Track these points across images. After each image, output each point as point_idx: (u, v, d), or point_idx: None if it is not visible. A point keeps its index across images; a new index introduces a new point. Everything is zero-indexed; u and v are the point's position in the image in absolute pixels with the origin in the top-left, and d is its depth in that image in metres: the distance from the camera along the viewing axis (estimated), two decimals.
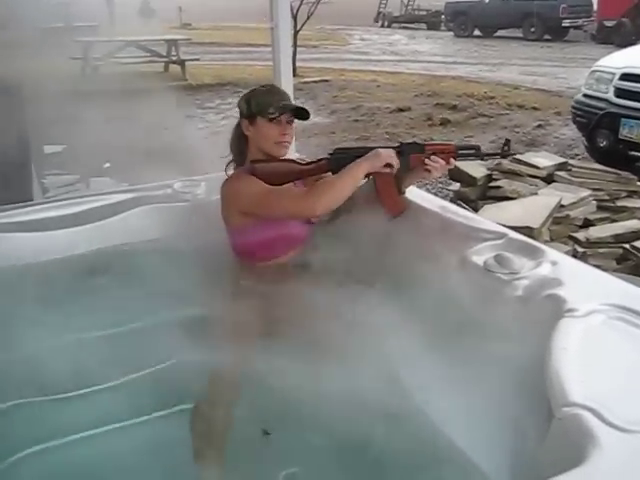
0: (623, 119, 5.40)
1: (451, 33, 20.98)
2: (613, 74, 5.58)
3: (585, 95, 5.91)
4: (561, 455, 1.18)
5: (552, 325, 1.51)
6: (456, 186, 5.10)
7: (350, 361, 1.95)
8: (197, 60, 11.63)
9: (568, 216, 4.22)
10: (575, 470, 1.09)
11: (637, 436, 1.15)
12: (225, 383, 1.90)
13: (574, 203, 4.34)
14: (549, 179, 4.86)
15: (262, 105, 2.07)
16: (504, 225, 2.16)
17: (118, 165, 4.23)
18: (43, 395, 1.92)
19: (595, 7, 17.77)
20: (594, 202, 4.47)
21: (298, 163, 2.13)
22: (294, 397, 1.77)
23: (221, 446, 1.79)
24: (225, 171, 2.22)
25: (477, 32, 20.23)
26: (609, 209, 4.48)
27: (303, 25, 12.05)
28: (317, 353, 1.96)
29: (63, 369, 1.91)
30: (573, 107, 6.09)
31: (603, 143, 5.62)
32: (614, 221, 4.30)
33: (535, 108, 8.97)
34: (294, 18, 10.79)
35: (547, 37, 18.46)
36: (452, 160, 2.06)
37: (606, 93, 5.62)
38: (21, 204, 2.41)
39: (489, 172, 4.93)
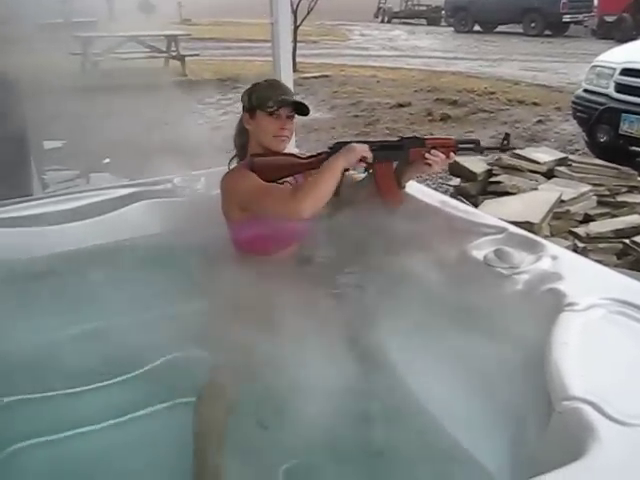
0: (623, 114, 5.39)
1: (451, 29, 20.94)
2: (614, 69, 5.57)
3: (585, 90, 5.90)
4: (561, 448, 1.18)
5: (552, 319, 1.51)
6: (456, 181, 5.10)
7: (350, 355, 1.95)
8: (197, 55, 11.61)
9: (568, 211, 4.22)
10: (575, 463, 1.09)
11: (637, 430, 1.15)
12: (222, 382, 1.90)
13: (574, 198, 4.34)
14: (549, 174, 4.86)
15: (262, 99, 2.08)
16: (504, 220, 2.16)
17: (117, 160, 4.23)
18: (41, 390, 1.92)
19: (595, 2, 17.72)
20: (594, 197, 4.47)
21: (298, 157, 2.13)
22: (292, 390, 1.77)
23: (221, 442, 1.79)
24: (228, 165, 2.22)
25: (477, 27, 20.20)
26: (609, 204, 4.47)
27: (303, 20, 12.03)
28: (317, 347, 1.97)
29: (61, 364, 1.91)
30: (573, 102, 6.08)
31: (603, 138, 5.62)
32: (614, 216, 4.30)
33: (535, 103, 8.96)
34: (294, 13, 10.77)
35: (547, 32, 18.42)
36: (452, 154, 2.06)
37: (606, 88, 5.61)
38: (20, 199, 2.40)
39: (489, 167, 4.93)
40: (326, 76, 11.61)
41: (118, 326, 2.03)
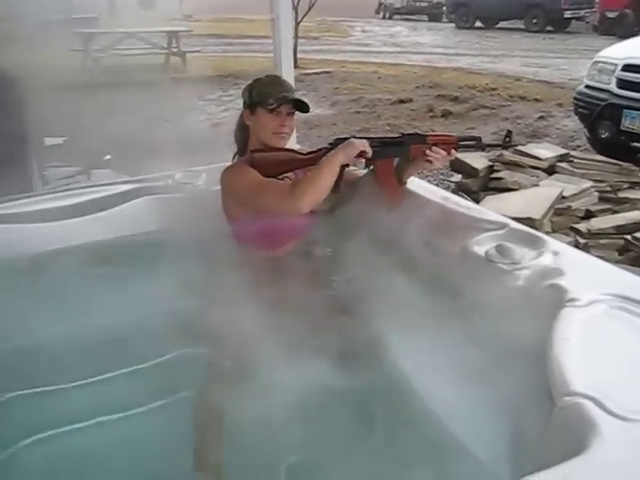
0: (625, 110, 5.38)
1: (452, 25, 20.93)
2: (615, 65, 5.56)
3: (587, 86, 5.89)
4: (562, 444, 1.18)
5: (553, 315, 1.51)
6: (458, 177, 5.10)
7: (349, 352, 1.95)
8: (198, 52, 11.60)
9: (570, 207, 4.22)
10: (576, 459, 1.09)
11: (638, 425, 1.15)
12: (223, 377, 1.90)
13: (576, 194, 4.34)
14: (551, 170, 4.86)
15: (262, 95, 2.07)
16: (506, 216, 2.16)
17: (118, 157, 4.23)
18: (42, 385, 1.92)
19: None
20: (596, 193, 4.47)
21: (298, 153, 2.12)
22: (294, 388, 1.77)
23: (220, 439, 1.79)
24: (232, 161, 2.22)
25: (479, 23, 20.18)
26: (611, 200, 4.47)
27: (304, 17, 12.02)
28: (317, 343, 1.97)
29: (62, 360, 1.91)
30: (575, 98, 6.08)
31: (605, 134, 5.61)
32: (616, 212, 4.30)
33: (537, 99, 8.95)
34: (295, 10, 10.76)
35: (549, 28, 18.40)
36: (453, 151, 2.06)
37: (608, 84, 5.60)
38: (21, 195, 2.40)
39: (491, 163, 4.93)
40: (327, 72, 11.60)
41: (118, 322, 2.03)
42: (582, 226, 4.06)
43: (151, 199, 2.45)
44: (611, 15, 16.17)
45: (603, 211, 4.32)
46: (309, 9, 12.05)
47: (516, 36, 17.74)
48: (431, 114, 8.28)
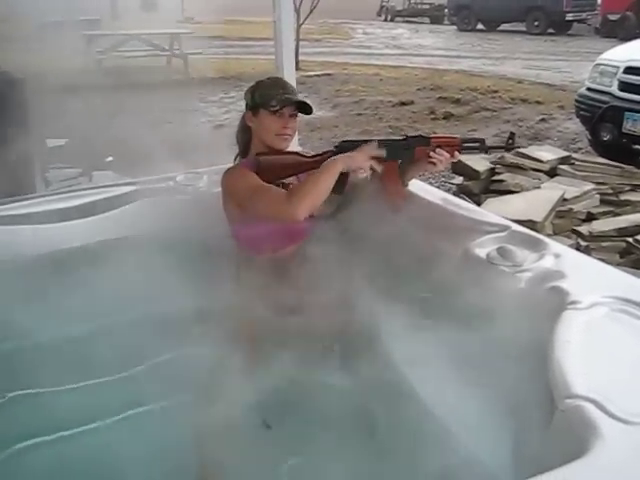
0: (627, 113, 5.37)
1: (454, 27, 20.93)
2: (617, 67, 5.55)
3: (589, 89, 5.88)
4: (564, 447, 1.18)
5: (555, 317, 1.51)
6: (459, 180, 5.10)
7: (350, 353, 1.96)
8: (199, 54, 11.60)
9: (571, 210, 4.21)
10: (577, 462, 1.09)
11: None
12: (227, 377, 1.90)
13: (577, 197, 4.34)
14: (552, 173, 4.86)
15: (265, 97, 2.07)
16: (507, 218, 2.16)
17: (119, 158, 4.23)
18: (42, 387, 1.92)
19: (599, 1, 17.68)
20: (597, 196, 4.47)
21: (303, 155, 2.12)
22: (295, 389, 1.78)
23: (222, 440, 1.79)
24: (234, 162, 2.22)
25: (480, 26, 20.17)
26: (612, 203, 4.47)
27: (306, 19, 12.04)
28: (317, 345, 1.97)
29: (62, 361, 1.91)
30: (577, 101, 6.07)
31: (607, 137, 5.60)
32: (617, 215, 4.29)
33: (538, 102, 8.94)
34: (297, 12, 10.77)
35: (551, 31, 18.39)
36: (457, 153, 2.06)
37: (610, 87, 5.59)
38: (23, 196, 2.40)
39: (492, 166, 4.93)
40: (329, 74, 11.61)
41: (120, 323, 2.03)
42: (583, 229, 4.06)
43: (152, 201, 2.45)
44: (613, 17, 16.18)
45: (605, 214, 4.32)
46: (311, 11, 12.07)
47: (518, 38, 17.74)
48: (432, 116, 8.28)
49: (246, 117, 2.14)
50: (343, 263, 2.16)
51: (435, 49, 15.93)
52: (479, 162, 4.95)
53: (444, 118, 8.18)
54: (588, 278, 1.72)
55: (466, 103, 8.92)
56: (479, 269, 1.85)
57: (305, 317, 1.95)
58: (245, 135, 2.17)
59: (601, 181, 4.66)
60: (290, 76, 2.84)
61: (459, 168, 4.99)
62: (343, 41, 18.38)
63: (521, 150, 5.12)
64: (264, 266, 2.08)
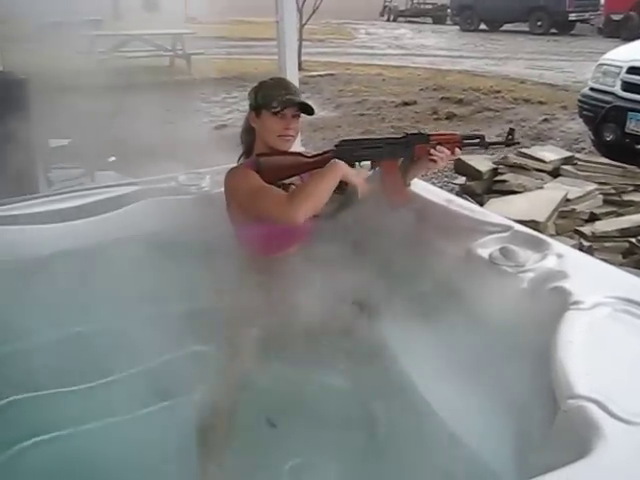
0: (630, 113, 5.36)
1: (457, 27, 20.92)
2: (620, 67, 5.54)
3: (592, 89, 5.87)
4: (566, 447, 1.18)
5: (557, 317, 1.51)
6: (462, 180, 5.09)
7: (353, 352, 1.95)
8: (202, 54, 11.61)
9: (574, 210, 4.21)
10: (580, 462, 1.09)
11: None
12: (227, 378, 1.90)
13: (580, 197, 4.33)
14: (555, 173, 4.86)
15: (267, 98, 2.06)
16: (509, 218, 2.15)
17: (122, 158, 4.24)
18: (40, 389, 1.92)
19: (602, 1, 17.67)
20: (600, 196, 4.46)
21: (304, 156, 2.12)
22: (299, 389, 1.77)
23: (223, 440, 1.79)
24: (238, 162, 2.22)
25: (483, 26, 20.15)
26: (615, 203, 4.46)
27: (309, 19, 12.04)
28: (320, 345, 1.97)
29: (65, 361, 1.92)
30: (579, 101, 6.06)
31: (610, 137, 5.58)
32: (620, 215, 4.29)
33: (541, 102, 8.94)
34: (299, 12, 10.77)
35: (554, 31, 18.37)
36: (457, 150, 2.05)
37: (613, 87, 5.58)
38: (26, 197, 2.41)
39: (495, 166, 4.93)
40: (331, 75, 11.62)
41: (122, 323, 2.03)
42: (586, 229, 4.05)
43: (154, 201, 2.45)
44: (616, 17, 16.15)
45: (607, 214, 4.31)
46: (314, 12, 12.07)
47: (520, 39, 17.72)
48: (435, 116, 8.28)
49: (249, 118, 2.13)
50: (345, 263, 2.16)
51: (438, 49, 15.92)
52: (482, 162, 4.95)
53: (447, 118, 8.18)
54: (591, 278, 1.71)
55: (469, 103, 8.92)
56: (482, 269, 1.85)
57: (307, 317, 1.94)
58: (249, 135, 2.17)
59: (604, 181, 4.66)
60: (293, 76, 2.84)
61: (462, 168, 4.99)
62: (346, 41, 18.38)
63: (524, 150, 5.12)
64: (266, 266, 2.08)
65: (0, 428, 1.85)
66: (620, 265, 3.46)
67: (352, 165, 2.01)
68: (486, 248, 1.90)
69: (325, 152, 2.07)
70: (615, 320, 1.51)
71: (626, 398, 1.22)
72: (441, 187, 4.68)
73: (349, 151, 2.04)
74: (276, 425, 1.83)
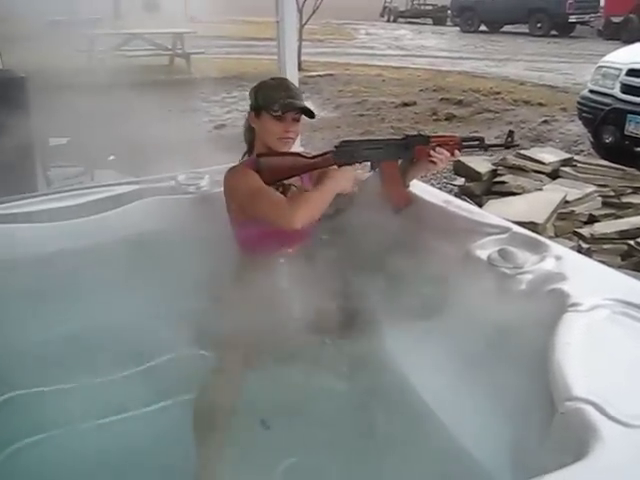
0: (629, 115, 5.37)
1: (457, 28, 20.94)
2: (619, 70, 5.55)
3: (591, 91, 5.88)
4: (563, 449, 1.18)
5: (556, 319, 1.51)
6: (461, 181, 5.10)
7: (351, 354, 1.95)
8: (202, 53, 11.60)
9: (573, 212, 4.21)
10: (577, 464, 1.09)
11: (639, 431, 1.15)
12: (226, 378, 1.90)
13: (579, 199, 4.34)
14: (554, 175, 4.86)
15: (268, 100, 2.03)
16: (508, 220, 2.16)
17: (121, 157, 4.24)
18: (42, 386, 1.92)
19: (602, 3, 17.68)
20: (599, 198, 4.47)
21: (303, 156, 2.11)
22: (294, 390, 1.77)
23: (221, 439, 1.79)
24: (241, 159, 2.21)
25: (483, 27, 20.17)
26: (614, 205, 4.47)
27: (309, 19, 12.04)
28: (318, 346, 1.97)
29: (64, 360, 1.91)
30: (579, 103, 6.07)
31: (609, 139, 5.60)
32: (619, 217, 4.29)
33: (541, 104, 8.94)
34: (300, 12, 10.77)
35: (554, 33, 18.39)
36: (457, 152, 2.05)
37: (612, 89, 5.59)
38: (24, 195, 2.40)
39: (494, 167, 4.93)
40: (331, 75, 11.62)
41: (121, 323, 2.03)
42: (585, 231, 4.06)
43: (153, 200, 2.45)
44: (616, 20, 16.17)
45: (606, 216, 4.32)
46: (314, 12, 12.07)
47: (520, 40, 17.74)
48: (435, 117, 8.28)
49: (250, 118, 2.12)
50: (344, 264, 2.16)
51: (438, 50, 15.93)
52: (481, 164, 4.95)
53: (446, 119, 8.18)
54: (589, 280, 1.71)
55: (468, 104, 8.92)
56: (480, 271, 1.85)
57: (305, 318, 1.95)
58: (250, 135, 2.16)
59: (603, 183, 4.66)
60: (293, 76, 2.83)
61: (461, 169, 4.99)
62: (346, 42, 18.38)
63: (523, 152, 5.12)
64: (265, 266, 2.08)
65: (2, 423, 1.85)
66: (619, 267, 3.47)
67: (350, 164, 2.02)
68: (484, 250, 1.90)
69: (325, 153, 2.07)
70: (613, 322, 1.51)
71: (624, 400, 1.21)
72: (440, 188, 4.68)
73: (349, 152, 2.04)
74: (269, 427, 1.83)
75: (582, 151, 6.46)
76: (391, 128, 7.68)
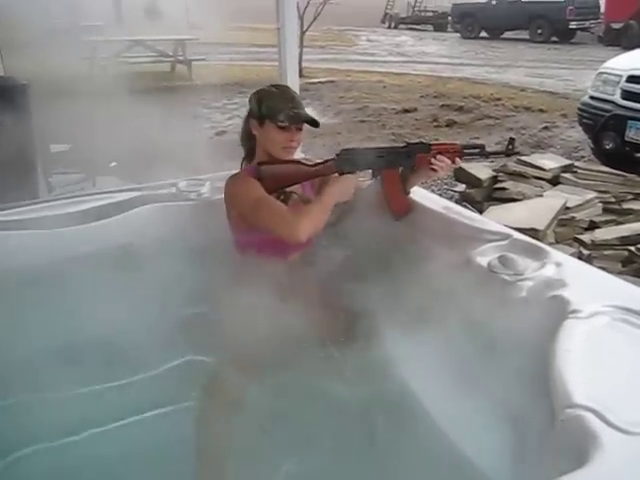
0: (629, 121, 5.38)
1: (458, 34, 20.99)
2: (620, 76, 5.57)
3: (591, 97, 5.89)
4: (563, 456, 1.18)
5: (556, 326, 1.51)
6: (461, 187, 5.10)
7: (351, 360, 1.95)
8: (203, 60, 11.63)
9: (573, 218, 4.22)
10: (577, 472, 1.08)
11: (639, 438, 1.15)
12: (228, 385, 1.90)
13: (580, 205, 4.34)
14: (555, 181, 4.86)
15: (272, 110, 2.03)
16: (509, 226, 2.16)
17: (123, 164, 4.25)
18: (45, 393, 1.92)
19: (602, 9, 17.72)
20: (600, 204, 4.47)
21: (304, 164, 2.11)
22: (294, 395, 1.77)
23: (223, 444, 1.79)
24: (240, 166, 2.21)
25: (484, 34, 20.21)
26: (615, 211, 4.47)
27: (310, 26, 12.08)
28: (318, 351, 1.97)
29: (64, 368, 1.91)
30: (579, 109, 6.08)
31: (609, 145, 5.60)
32: (620, 223, 4.29)
33: (541, 110, 8.96)
34: (301, 19, 10.80)
35: (554, 39, 18.43)
36: (458, 159, 2.06)
37: (612, 95, 5.60)
38: (26, 202, 2.41)
39: (495, 174, 4.94)
40: (332, 81, 11.64)
41: (121, 329, 2.03)
42: (586, 237, 4.06)
43: (155, 207, 2.45)
44: (616, 26, 16.20)
45: (607, 222, 4.32)
46: (315, 18, 12.11)
47: (521, 46, 17.77)
48: (435, 124, 8.30)
49: (251, 125, 2.10)
50: (344, 271, 2.17)
51: (438, 56, 15.96)
52: (482, 170, 4.96)
53: (447, 126, 8.19)
54: (589, 287, 1.71)
55: (469, 111, 8.94)
56: (480, 277, 1.85)
57: (306, 323, 1.95)
58: (249, 141, 2.16)
59: (603, 189, 4.66)
60: (294, 83, 2.84)
61: (462, 176, 5.00)
62: (347, 48, 18.41)
63: (524, 158, 5.13)
64: (266, 273, 2.08)
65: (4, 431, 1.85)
66: (619, 274, 3.47)
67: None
68: (485, 256, 1.90)
69: (326, 161, 2.08)
70: (613, 329, 1.51)
71: (624, 408, 1.21)
72: (441, 194, 4.69)
73: (350, 160, 2.05)
74: (269, 432, 1.83)
75: (583, 157, 6.46)
76: (392, 134, 7.70)
